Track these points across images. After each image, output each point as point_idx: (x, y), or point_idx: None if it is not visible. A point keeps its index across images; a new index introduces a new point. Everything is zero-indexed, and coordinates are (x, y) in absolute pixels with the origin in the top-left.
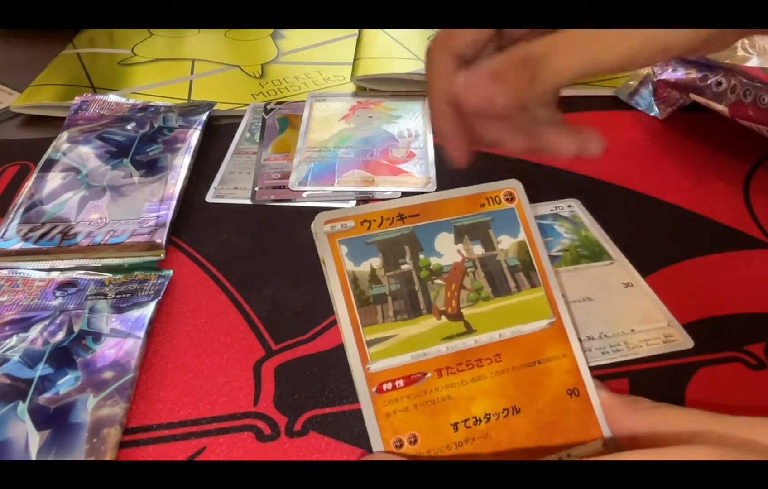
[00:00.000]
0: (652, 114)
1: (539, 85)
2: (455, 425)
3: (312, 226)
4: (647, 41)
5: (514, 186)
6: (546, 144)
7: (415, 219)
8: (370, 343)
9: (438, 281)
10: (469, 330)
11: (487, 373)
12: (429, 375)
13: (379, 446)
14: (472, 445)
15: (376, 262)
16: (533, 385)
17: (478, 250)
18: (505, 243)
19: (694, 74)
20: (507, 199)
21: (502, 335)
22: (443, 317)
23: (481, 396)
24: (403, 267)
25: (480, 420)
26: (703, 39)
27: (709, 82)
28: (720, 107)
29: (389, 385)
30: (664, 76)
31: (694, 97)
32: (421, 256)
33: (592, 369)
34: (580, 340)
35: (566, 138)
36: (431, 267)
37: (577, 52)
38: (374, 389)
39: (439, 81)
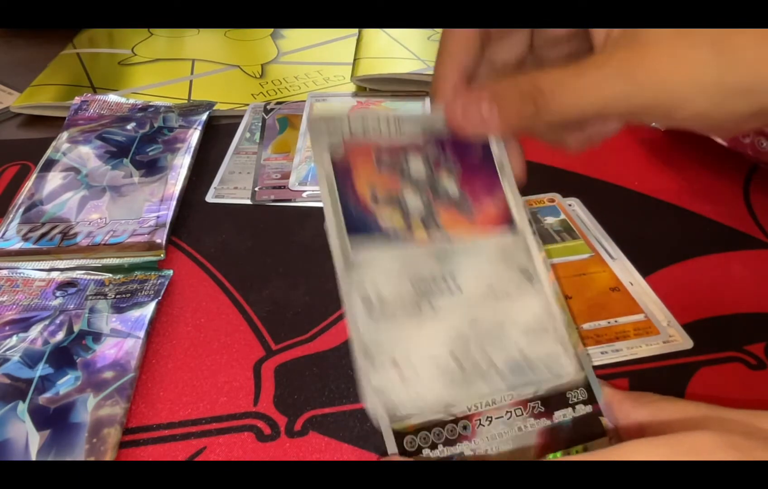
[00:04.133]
0: None
1: (541, 119)
2: None
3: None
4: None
5: (555, 195)
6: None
7: None
8: None
9: None
10: None
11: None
12: None
13: None
14: None
15: None
16: (581, 285)
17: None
18: (550, 220)
19: None
20: (549, 200)
21: (552, 262)
22: None
23: None
24: None
25: None
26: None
27: None
28: (719, 140)
29: None
30: None
31: None
32: None
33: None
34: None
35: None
36: None
37: (587, 90)
38: None
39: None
